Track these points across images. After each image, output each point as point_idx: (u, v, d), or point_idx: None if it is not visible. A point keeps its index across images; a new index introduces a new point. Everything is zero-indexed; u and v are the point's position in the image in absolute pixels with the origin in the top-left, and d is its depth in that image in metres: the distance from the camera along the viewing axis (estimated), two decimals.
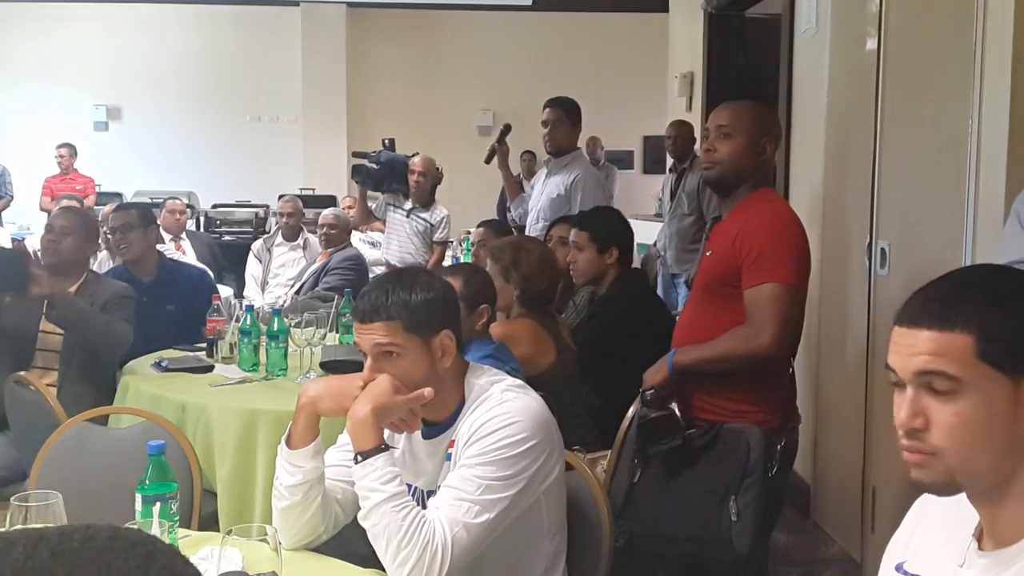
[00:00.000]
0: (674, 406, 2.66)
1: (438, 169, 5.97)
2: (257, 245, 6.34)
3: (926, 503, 1.30)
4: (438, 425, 1.99)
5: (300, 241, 6.29)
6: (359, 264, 5.71)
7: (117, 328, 3.50)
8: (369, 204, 6.29)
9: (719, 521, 2.57)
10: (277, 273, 6.14)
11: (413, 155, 5.90)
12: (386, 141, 5.81)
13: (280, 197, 7.14)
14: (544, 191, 4.72)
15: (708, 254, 2.78)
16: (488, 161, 5.16)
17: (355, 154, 6.02)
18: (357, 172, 6.00)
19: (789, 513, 3.89)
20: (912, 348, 1.14)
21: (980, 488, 1.15)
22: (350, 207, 7.34)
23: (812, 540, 3.97)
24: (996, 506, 1.15)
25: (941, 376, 1.12)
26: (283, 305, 5.01)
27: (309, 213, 7.35)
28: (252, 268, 6.19)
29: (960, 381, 1.11)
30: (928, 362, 1.12)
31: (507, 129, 5.09)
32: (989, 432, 1.11)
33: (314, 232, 6.24)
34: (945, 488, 1.15)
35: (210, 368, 3.50)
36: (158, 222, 4.66)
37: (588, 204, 4.50)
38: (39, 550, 0.72)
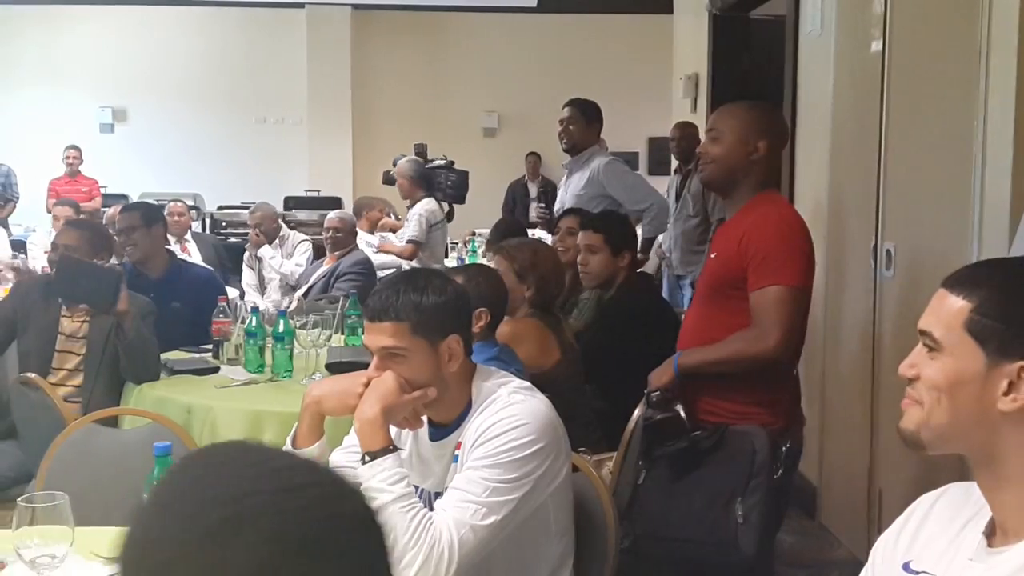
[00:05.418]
0: (679, 408, 2.66)
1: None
2: (245, 256, 6.37)
3: (928, 503, 1.32)
4: (445, 427, 1.99)
5: (276, 240, 6.30)
6: (368, 268, 5.71)
7: (156, 358, 3.41)
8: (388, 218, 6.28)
9: (725, 523, 2.56)
10: (272, 278, 6.14)
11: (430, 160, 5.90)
12: (417, 147, 5.66)
13: (250, 209, 6.77)
14: (569, 190, 4.79)
15: (712, 256, 2.77)
16: None
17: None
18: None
19: (795, 515, 3.88)
20: (930, 306, 1.24)
21: (953, 449, 1.22)
22: (388, 221, 7.16)
23: (819, 542, 3.97)
24: (999, 492, 1.19)
25: (928, 336, 1.22)
26: (288, 307, 5.01)
27: (313, 215, 7.33)
28: (247, 278, 6.21)
29: (940, 344, 1.20)
30: (924, 322, 1.23)
31: None
32: (954, 398, 1.19)
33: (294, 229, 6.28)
34: (914, 440, 1.23)
35: (216, 369, 3.50)
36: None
37: (622, 186, 4.61)
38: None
